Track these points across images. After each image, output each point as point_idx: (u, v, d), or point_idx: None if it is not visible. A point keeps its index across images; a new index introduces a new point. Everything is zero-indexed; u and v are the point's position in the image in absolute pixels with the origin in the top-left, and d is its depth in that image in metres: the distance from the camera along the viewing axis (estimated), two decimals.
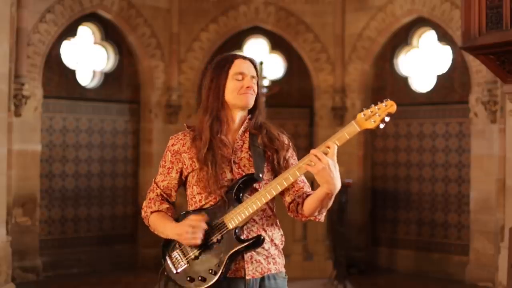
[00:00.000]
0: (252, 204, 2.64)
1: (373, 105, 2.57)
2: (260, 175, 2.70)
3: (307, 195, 2.74)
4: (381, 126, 2.57)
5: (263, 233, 2.70)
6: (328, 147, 2.60)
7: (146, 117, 9.00)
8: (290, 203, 2.78)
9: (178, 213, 2.81)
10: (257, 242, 2.65)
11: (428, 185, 8.58)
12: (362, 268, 8.48)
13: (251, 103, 2.80)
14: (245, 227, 2.68)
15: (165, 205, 2.83)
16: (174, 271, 2.71)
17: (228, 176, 2.71)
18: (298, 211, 2.76)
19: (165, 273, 2.74)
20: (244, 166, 2.74)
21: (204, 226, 2.64)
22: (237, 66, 2.79)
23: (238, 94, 2.77)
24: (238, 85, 2.77)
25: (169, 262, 2.73)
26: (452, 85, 8.40)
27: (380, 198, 8.99)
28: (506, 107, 7.03)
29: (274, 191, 2.64)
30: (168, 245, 2.74)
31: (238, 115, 2.81)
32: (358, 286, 7.67)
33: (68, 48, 8.54)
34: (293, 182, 2.72)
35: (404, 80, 8.91)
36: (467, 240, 8.02)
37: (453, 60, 8.40)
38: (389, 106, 2.55)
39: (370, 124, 2.56)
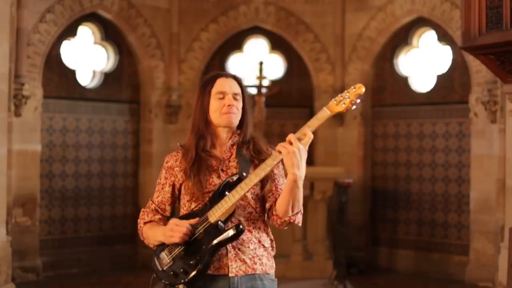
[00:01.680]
0: (231, 197, 2.68)
1: (345, 91, 2.65)
2: (244, 174, 2.73)
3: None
4: (353, 107, 2.64)
5: (248, 234, 2.74)
6: (304, 134, 2.62)
7: (146, 117, 9.00)
8: (269, 209, 2.80)
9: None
10: (236, 231, 2.67)
11: (428, 185, 8.58)
12: (362, 268, 8.48)
13: (234, 122, 2.84)
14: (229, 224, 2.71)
15: (158, 216, 2.91)
16: (160, 269, 2.76)
17: (216, 181, 2.78)
18: (273, 213, 2.77)
19: (154, 275, 2.79)
20: (232, 173, 2.79)
21: (187, 226, 2.68)
22: (218, 85, 2.84)
23: (220, 114, 2.82)
24: (220, 105, 2.81)
25: (156, 262, 2.78)
26: (452, 85, 8.40)
27: (380, 198, 8.99)
28: (506, 107, 7.04)
29: (252, 181, 2.66)
30: (158, 249, 2.80)
31: (225, 132, 2.86)
32: (358, 286, 7.67)
33: (68, 48, 8.54)
34: (273, 190, 2.77)
35: (404, 80, 8.91)
36: (467, 240, 8.02)
37: (453, 60, 8.40)
38: (357, 88, 2.62)
39: (340, 107, 2.63)
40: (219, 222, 2.68)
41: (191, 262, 2.67)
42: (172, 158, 2.90)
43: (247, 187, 2.67)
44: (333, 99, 2.65)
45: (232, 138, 2.86)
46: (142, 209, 2.95)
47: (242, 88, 2.88)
